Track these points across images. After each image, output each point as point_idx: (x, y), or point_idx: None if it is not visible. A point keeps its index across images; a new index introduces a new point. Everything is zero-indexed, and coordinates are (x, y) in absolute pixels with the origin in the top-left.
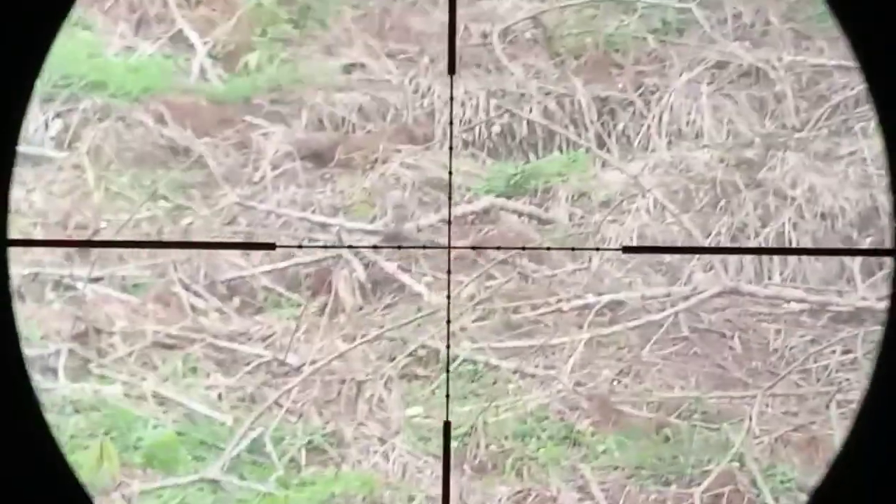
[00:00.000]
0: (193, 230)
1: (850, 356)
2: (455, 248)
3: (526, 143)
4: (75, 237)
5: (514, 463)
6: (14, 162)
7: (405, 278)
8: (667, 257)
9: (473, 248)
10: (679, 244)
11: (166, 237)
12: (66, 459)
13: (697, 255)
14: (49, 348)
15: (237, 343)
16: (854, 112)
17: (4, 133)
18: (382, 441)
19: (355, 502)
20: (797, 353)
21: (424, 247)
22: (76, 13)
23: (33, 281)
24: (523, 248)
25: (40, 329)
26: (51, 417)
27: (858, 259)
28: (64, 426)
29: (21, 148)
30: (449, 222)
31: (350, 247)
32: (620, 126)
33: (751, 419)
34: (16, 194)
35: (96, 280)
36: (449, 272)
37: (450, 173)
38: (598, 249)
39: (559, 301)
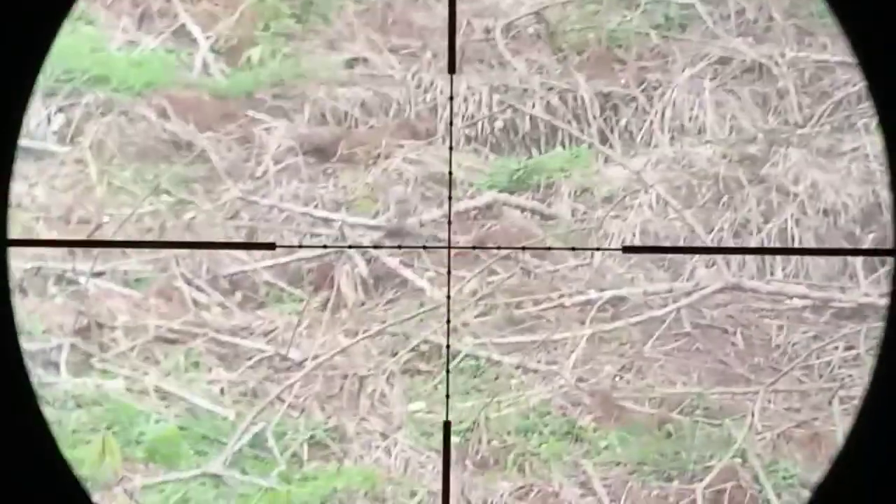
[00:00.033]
0: (196, 225)
1: (853, 352)
2: (455, 247)
3: (528, 139)
4: (78, 231)
5: (516, 458)
6: (14, 162)
7: (407, 273)
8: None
9: (473, 247)
10: (682, 240)
11: (169, 231)
12: (64, 455)
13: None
14: (51, 342)
15: (239, 338)
16: (857, 108)
17: (4, 133)
18: (384, 436)
19: (357, 497)
20: (800, 350)
21: (424, 247)
22: (79, 7)
23: (36, 275)
24: (523, 248)
25: (42, 323)
26: (53, 412)
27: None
28: (66, 421)
29: (24, 142)
30: (449, 222)
31: (350, 246)
32: (623, 122)
33: (753, 415)
34: (18, 189)
35: (98, 275)
36: (449, 272)
37: (450, 173)
38: (598, 249)
39: (561, 297)
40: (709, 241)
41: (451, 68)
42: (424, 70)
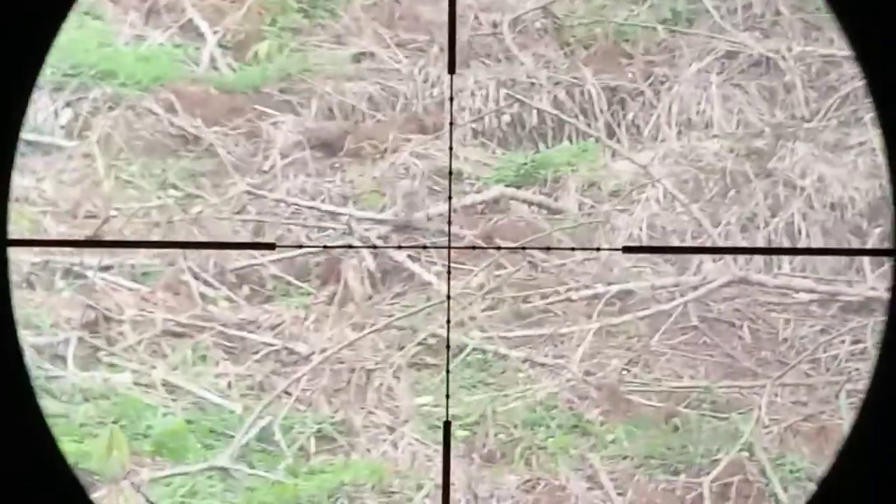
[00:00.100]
0: (203, 219)
1: (860, 346)
2: (455, 248)
3: (536, 133)
4: (85, 226)
5: (522, 452)
6: (13, 162)
7: (415, 267)
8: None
9: (473, 247)
10: (689, 234)
11: (176, 226)
12: (63, 453)
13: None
14: (59, 336)
15: (246, 332)
16: (863, 103)
17: (4, 133)
18: (391, 429)
19: (364, 490)
20: (807, 343)
21: (424, 247)
22: (87, 2)
23: (43, 269)
24: (523, 248)
25: (50, 317)
26: (60, 406)
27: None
28: (73, 414)
29: (31, 137)
30: (449, 221)
31: (350, 246)
32: (630, 116)
33: (760, 409)
34: (26, 183)
35: (106, 269)
36: (449, 271)
37: (450, 173)
38: (598, 249)
39: (568, 290)
40: (716, 236)
41: (451, 68)
42: (431, 65)
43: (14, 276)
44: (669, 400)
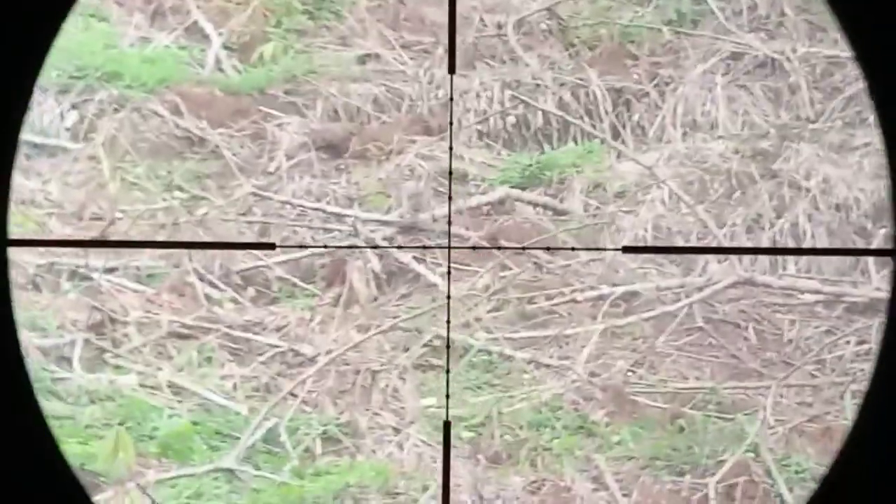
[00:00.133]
0: (209, 221)
1: (865, 347)
2: (455, 248)
3: (541, 134)
4: (91, 228)
5: (528, 453)
6: (14, 162)
7: (420, 269)
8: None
9: (473, 248)
10: (694, 235)
11: (181, 228)
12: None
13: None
14: (64, 338)
15: (252, 333)
16: (868, 103)
17: (4, 134)
18: (397, 431)
19: (370, 492)
20: (812, 344)
21: (424, 247)
22: (92, 4)
23: (49, 271)
24: (523, 249)
25: (56, 319)
26: (66, 407)
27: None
28: (79, 416)
29: (37, 139)
30: (449, 222)
31: (350, 247)
32: (635, 117)
33: (765, 410)
34: (31, 185)
35: (111, 270)
36: (449, 272)
37: (450, 173)
38: (598, 249)
39: (574, 291)
40: (721, 236)
41: (451, 68)
42: (436, 66)
43: (20, 279)
44: (675, 401)
